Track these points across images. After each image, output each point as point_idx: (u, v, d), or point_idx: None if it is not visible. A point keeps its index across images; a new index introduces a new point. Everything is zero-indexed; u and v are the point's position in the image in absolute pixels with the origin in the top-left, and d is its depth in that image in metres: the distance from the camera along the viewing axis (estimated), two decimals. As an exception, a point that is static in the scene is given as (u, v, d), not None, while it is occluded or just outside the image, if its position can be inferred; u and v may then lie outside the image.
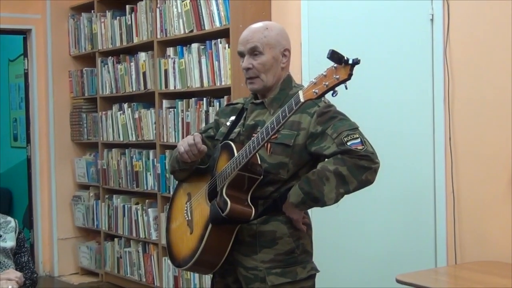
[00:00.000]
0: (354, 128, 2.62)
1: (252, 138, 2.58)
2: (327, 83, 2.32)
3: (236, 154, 2.65)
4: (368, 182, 2.59)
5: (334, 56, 2.29)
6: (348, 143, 2.56)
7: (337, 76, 2.30)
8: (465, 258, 3.94)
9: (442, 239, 4.04)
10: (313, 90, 2.35)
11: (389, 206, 4.36)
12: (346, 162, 2.55)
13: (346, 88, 2.33)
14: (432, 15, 4.06)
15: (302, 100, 2.38)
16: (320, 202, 2.61)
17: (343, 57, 2.29)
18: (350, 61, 2.29)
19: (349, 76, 2.29)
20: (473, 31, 3.90)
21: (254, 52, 2.74)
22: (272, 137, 2.58)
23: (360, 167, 2.55)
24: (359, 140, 2.58)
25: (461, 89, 3.96)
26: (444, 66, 4.01)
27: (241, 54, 2.79)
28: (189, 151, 2.79)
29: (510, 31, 3.71)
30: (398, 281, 3.40)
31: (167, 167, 5.39)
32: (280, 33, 2.80)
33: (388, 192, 4.30)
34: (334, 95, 2.35)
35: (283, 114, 2.45)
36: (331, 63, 2.33)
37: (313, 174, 2.60)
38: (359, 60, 2.29)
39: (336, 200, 2.61)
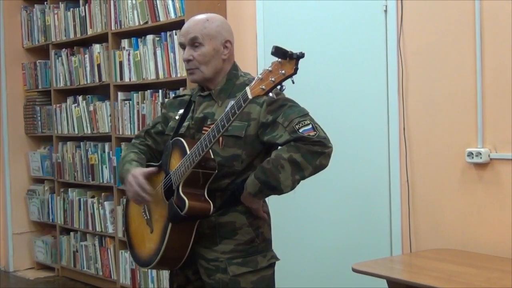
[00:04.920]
0: (305, 115, 2.63)
1: (204, 136, 2.57)
2: (273, 79, 2.32)
3: (188, 151, 2.64)
4: (323, 166, 2.61)
5: (278, 51, 2.30)
6: (300, 130, 2.57)
7: (283, 71, 2.31)
8: (420, 246, 3.99)
9: (397, 228, 4.09)
10: (261, 86, 2.35)
11: (344, 195, 4.39)
12: (300, 149, 2.56)
13: (293, 83, 2.34)
14: (386, 6, 4.10)
15: (250, 97, 2.38)
16: (277, 190, 2.62)
17: (287, 52, 2.30)
18: (294, 56, 2.29)
19: (295, 70, 2.30)
20: (426, 22, 3.95)
21: (194, 43, 2.74)
22: None
23: (314, 153, 2.57)
24: (310, 126, 2.59)
25: (414, 80, 4.00)
26: (398, 57, 4.05)
27: (182, 46, 2.79)
28: (137, 198, 2.81)
29: (462, 22, 3.76)
30: (354, 270, 3.43)
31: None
32: (221, 24, 2.80)
33: (344, 182, 4.34)
34: (282, 89, 2.36)
35: (232, 111, 2.44)
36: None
37: (268, 163, 2.61)
38: (303, 54, 2.30)
39: (293, 187, 2.62)
